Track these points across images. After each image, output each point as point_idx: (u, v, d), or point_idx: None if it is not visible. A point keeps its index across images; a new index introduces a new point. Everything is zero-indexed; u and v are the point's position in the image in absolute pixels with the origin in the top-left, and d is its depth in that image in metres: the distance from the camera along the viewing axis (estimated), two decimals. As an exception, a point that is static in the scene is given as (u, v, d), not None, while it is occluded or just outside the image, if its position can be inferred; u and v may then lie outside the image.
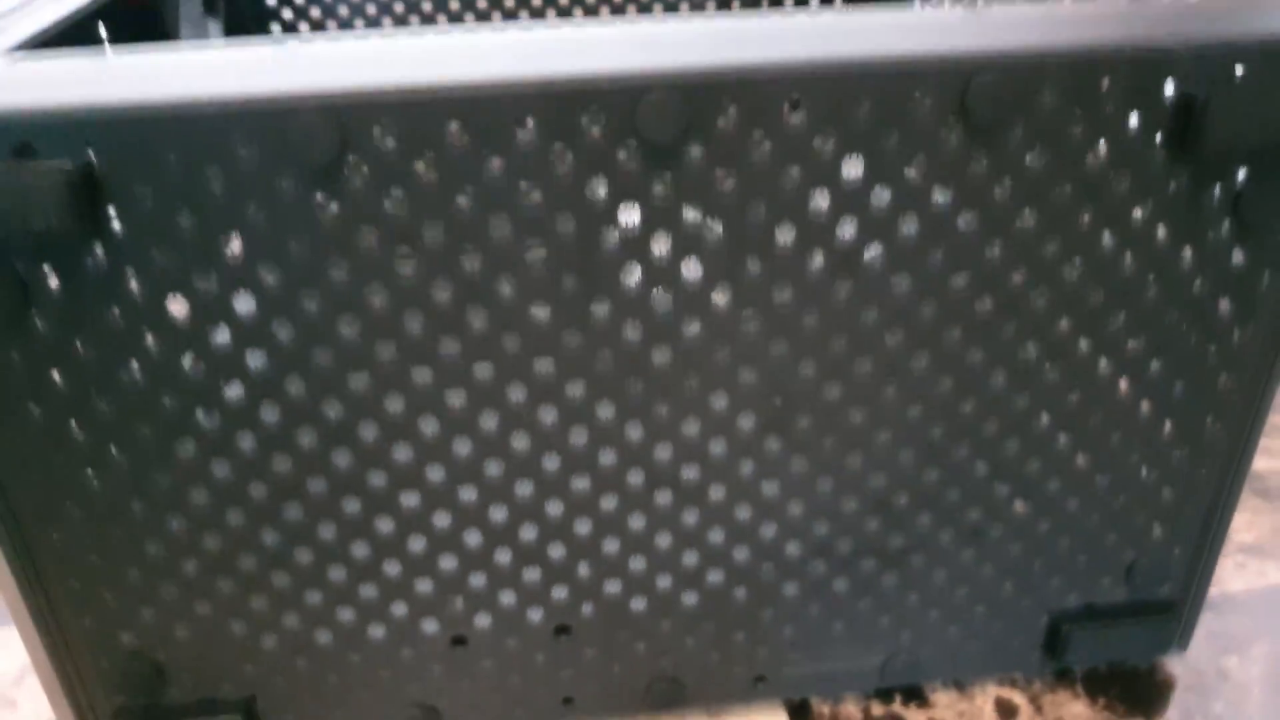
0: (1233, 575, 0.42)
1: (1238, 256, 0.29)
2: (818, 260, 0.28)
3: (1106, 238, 0.29)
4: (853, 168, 0.27)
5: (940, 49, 0.26)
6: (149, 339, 0.26)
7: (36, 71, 0.25)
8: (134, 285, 0.26)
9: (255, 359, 0.27)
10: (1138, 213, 0.28)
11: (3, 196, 0.23)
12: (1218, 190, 0.28)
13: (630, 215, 0.27)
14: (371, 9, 0.59)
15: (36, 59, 0.26)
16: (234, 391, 0.27)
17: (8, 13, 0.30)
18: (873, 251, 0.28)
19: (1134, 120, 0.27)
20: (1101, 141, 0.27)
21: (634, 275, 0.27)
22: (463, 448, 0.29)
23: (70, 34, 0.31)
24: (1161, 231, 0.29)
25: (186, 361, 0.27)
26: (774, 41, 0.26)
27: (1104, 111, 0.27)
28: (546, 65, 0.25)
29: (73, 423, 0.27)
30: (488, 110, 0.25)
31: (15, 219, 0.24)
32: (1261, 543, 0.44)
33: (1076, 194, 0.28)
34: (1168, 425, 0.32)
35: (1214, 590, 0.41)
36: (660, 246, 0.27)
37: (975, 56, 0.26)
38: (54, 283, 0.26)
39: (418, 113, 0.24)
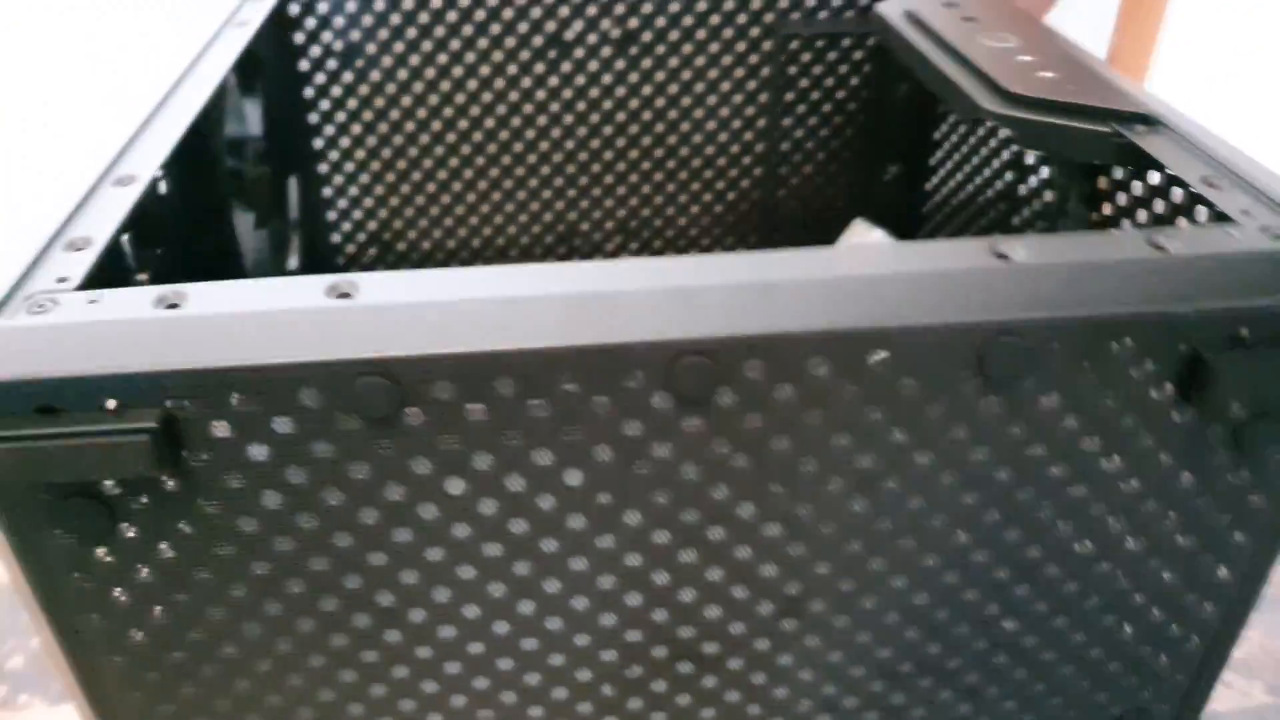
0: (1219, 694, 0.44)
1: (1235, 478, 0.31)
2: (836, 484, 0.30)
3: (1111, 461, 0.30)
4: (872, 410, 0.29)
5: (959, 317, 0.27)
6: (222, 547, 0.29)
7: (116, 326, 0.27)
8: (208, 506, 0.28)
9: (317, 562, 0.30)
10: (1142, 443, 0.30)
11: (95, 451, 0.26)
12: (1221, 427, 0.30)
13: (662, 449, 0.29)
14: (400, 245, 0.61)
15: (111, 305, 0.27)
16: (297, 587, 0.30)
17: (68, 222, 0.32)
18: (889, 478, 0.30)
19: (1143, 375, 0.28)
20: (1112, 391, 0.29)
21: (664, 495, 0.30)
22: (501, 628, 0.32)
23: (136, 234, 0.33)
24: (1164, 457, 0.31)
25: (254, 562, 0.30)
26: (797, 304, 0.27)
27: (1115, 368, 0.28)
28: (587, 330, 0.26)
29: (155, 608, 0.30)
30: (534, 370, 0.27)
31: (106, 469, 0.26)
32: (1249, 659, 0.46)
33: (1085, 429, 0.29)
34: (1161, 610, 0.34)
35: (1200, 711, 0.43)
36: (689, 472, 0.29)
37: (993, 323, 0.27)
38: (138, 504, 0.28)
39: (470, 373, 0.26)
